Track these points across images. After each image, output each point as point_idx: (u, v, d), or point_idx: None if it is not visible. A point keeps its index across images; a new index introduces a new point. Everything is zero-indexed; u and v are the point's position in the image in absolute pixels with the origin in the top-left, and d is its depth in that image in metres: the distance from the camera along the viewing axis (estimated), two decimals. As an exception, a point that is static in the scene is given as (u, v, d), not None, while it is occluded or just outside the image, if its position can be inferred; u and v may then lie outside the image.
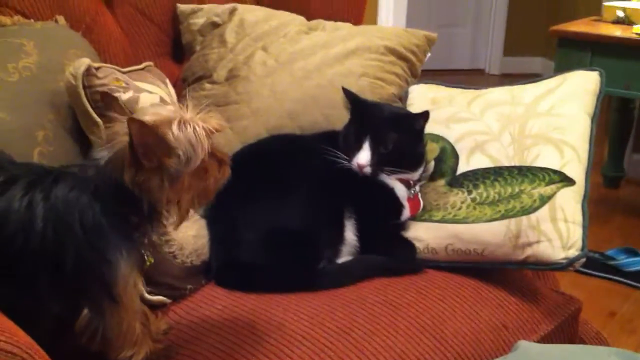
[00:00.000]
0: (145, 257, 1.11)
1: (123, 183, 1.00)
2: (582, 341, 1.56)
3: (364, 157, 1.46)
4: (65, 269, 1.01)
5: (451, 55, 5.26)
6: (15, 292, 1.02)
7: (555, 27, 2.88)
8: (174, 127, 1.00)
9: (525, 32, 5.20)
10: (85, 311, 1.05)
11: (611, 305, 2.42)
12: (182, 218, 1.10)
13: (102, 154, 1.03)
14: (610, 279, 2.56)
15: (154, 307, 1.32)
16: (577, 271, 1.46)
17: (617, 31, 2.75)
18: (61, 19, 1.60)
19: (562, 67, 1.74)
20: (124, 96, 1.36)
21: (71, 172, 1.06)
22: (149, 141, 0.98)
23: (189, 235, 1.41)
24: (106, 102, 1.14)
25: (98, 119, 1.34)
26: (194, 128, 1.02)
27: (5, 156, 1.10)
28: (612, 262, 2.62)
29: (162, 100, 1.46)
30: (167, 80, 1.58)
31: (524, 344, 0.85)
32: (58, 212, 1.01)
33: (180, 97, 1.72)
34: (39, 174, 1.05)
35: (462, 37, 5.45)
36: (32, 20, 1.55)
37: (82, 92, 1.35)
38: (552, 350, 0.89)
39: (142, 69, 1.54)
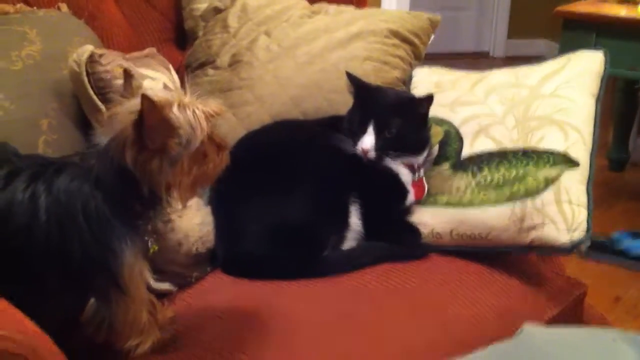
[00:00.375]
0: (150, 244, 1.11)
1: (124, 167, 1.00)
2: (587, 326, 1.56)
3: (368, 141, 1.45)
4: (70, 261, 1.01)
5: (455, 38, 5.23)
6: (21, 286, 1.01)
7: (559, 8, 2.85)
8: (174, 108, 1.00)
9: (530, 14, 5.16)
10: (92, 301, 1.05)
11: (617, 289, 2.41)
12: (183, 203, 1.09)
13: (102, 139, 1.03)
14: (615, 263, 2.55)
15: (160, 295, 1.32)
16: (582, 256, 1.45)
17: (622, 11, 2.73)
18: (64, 7, 1.60)
19: (567, 49, 1.72)
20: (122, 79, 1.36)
21: (73, 162, 1.06)
22: (155, 121, 0.98)
23: (194, 223, 1.41)
24: (126, 80, 1.13)
25: (101, 105, 1.35)
26: (193, 111, 1.02)
27: (10, 148, 1.11)
28: (618, 246, 2.60)
29: (165, 86, 1.46)
30: (170, 66, 1.58)
31: (528, 328, 0.85)
32: (61, 203, 1.01)
33: (184, 83, 1.72)
34: (41, 165, 1.05)
35: (466, 20, 5.42)
36: (35, 8, 1.55)
37: (86, 79, 1.35)
38: (556, 333, 0.89)
39: (145, 55, 1.54)
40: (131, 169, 1.00)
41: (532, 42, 5.26)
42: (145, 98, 0.96)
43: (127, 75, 1.08)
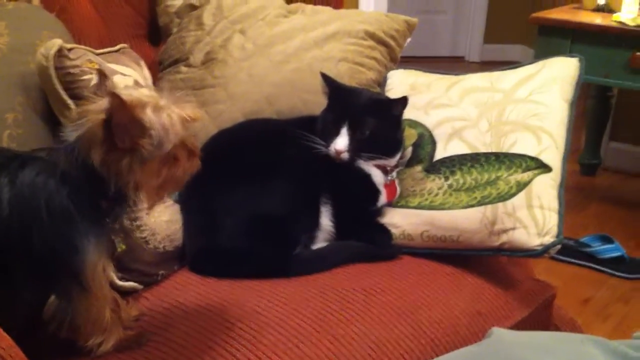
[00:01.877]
0: (117, 243, 1.09)
1: (91, 164, 0.98)
2: (557, 328, 1.56)
3: (341, 142, 1.45)
4: (31, 256, 0.99)
5: (432, 43, 5.25)
6: None
7: (535, 14, 2.87)
8: (148, 110, 0.99)
9: (506, 19, 5.20)
10: (53, 298, 1.03)
11: (586, 291, 2.44)
12: (150, 206, 1.08)
13: (70, 134, 1.01)
14: (584, 266, 2.58)
15: (125, 293, 1.30)
16: (552, 258, 1.46)
17: (598, 19, 2.75)
18: (35, 0, 1.57)
19: (542, 55, 1.73)
20: (96, 79, 1.34)
21: (39, 156, 1.04)
22: (125, 120, 0.96)
23: (162, 220, 1.39)
24: (101, 81, 1.11)
25: (69, 101, 1.32)
26: (168, 114, 1.00)
27: None
28: (587, 249, 2.63)
29: (136, 83, 1.43)
30: (143, 63, 1.55)
31: (497, 331, 0.85)
32: (24, 197, 0.99)
33: (156, 80, 1.70)
34: (5, 158, 1.02)
35: (443, 24, 5.45)
36: (4, 1, 1.51)
37: (54, 73, 1.32)
38: (525, 337, 0.89)
39: (117, 50, 1.51)
40: (97, 167, 0.98)
41: (508, 47, 5.29)
42: (114, 96, 0.94)
43: (102, 75, 1.07)
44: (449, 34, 5.50)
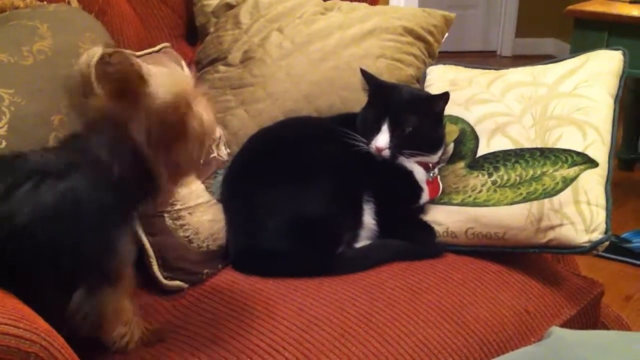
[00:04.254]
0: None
1: (138, 154, 0.99)
2: (604, 325, 1.54)
3: (382, 140, 1.44)
4: (64, 254, 0.99)
5: (462, 37, 5.20)
6: (18, 282, 0.99)
7: (571, 7, 2.83)
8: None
9: (538, 13, 5.14)
10: (78, 293, 1.03)
11: (627, 288, 2.40)
12: (172, 189, 1.11)
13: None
14: (625, 262, 2.54)
15: (171, 292, 1.31)
16: (596, 255, 1.44)
17: (634, 11, 2.71)
18: (74, 1, 1.58)
19: (579, 49, 1.70)
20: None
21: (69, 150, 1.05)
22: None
23: (205, 219, 1.40)
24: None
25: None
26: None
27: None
28: (627, 245, 2.59)
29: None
30: (183, 63, 1.56)
31: (557, 331, 0.83)
32: (64, 199, 0.99)
33: (195, 79, 1.70)
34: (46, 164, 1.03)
35: (474, 18, 5.40)
36: (45, 3, 1.52)
37: (95, 81, 1.33)
38: (585, 336, 0.87)
39: (158, 51, 1.52)
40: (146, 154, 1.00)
41: (540, 41, 5.23)
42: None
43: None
44: (480, 28, 5.45)
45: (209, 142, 1.10)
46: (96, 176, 1.02)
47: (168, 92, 1.01)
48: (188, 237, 1.36)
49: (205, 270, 1.36)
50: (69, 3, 1.57)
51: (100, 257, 1.02)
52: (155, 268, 1.31)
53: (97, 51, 1.34)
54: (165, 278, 1.31)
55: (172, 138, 1.02)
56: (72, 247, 1.00)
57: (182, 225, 1.36)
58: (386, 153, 1.44)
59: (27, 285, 0.99)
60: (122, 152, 1.01)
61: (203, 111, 1.07)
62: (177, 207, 1.36)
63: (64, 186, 1.00)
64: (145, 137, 1.00)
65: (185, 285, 1.32)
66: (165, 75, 1.04)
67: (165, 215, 1.34)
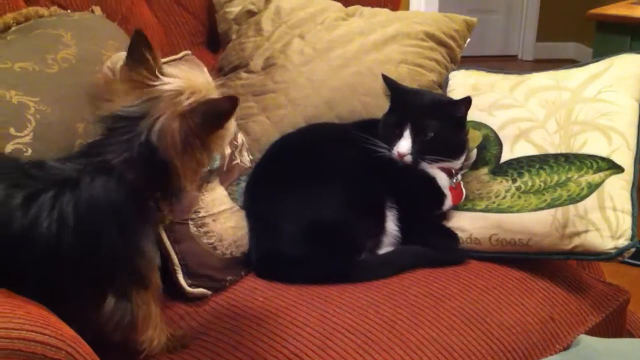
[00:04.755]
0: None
1: (158, 158, 1.00)
2: (630, 333, 1.52)
3: (404, 145, 1.43)
4: (94, 261, 1.00)
5: (483, 42, 5.18)
6: (44, 291, 0.99)
7: (593, 11, 2.81)
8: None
9: (559, 16, 5.10)
10: (110, 298, 1.04)
11: (651, 295, 2.36)
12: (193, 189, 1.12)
13: (130, 111, 1.04)
14: (650, 268, 2.51)
15: (194, 299, 1.31)
16: (622, 261, 1.42)
17: (658, 15, 2.68)
18: (97, 10, 1.60)
19: (601, 52, 1.68)
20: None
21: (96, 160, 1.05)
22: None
23: (228, 226, 1.40)
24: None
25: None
26: None
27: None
28: (652, 251, 2.56)
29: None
30: (205, 70, 1.56)
31: (585, 339, 0.82)
32: (94, 205, 1.00)
33: (217, 85, 1.71)
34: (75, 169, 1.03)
35: (495, 22, 5.37)
36: (69, 11, 1.54)
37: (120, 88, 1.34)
38: (614, 344, 0.86)
39: (180, 58, 1.53)
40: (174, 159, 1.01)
41: (561, 45, 5.19)
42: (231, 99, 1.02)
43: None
44: (501, 32, 5.43)
45: (229, 138, 1.11)
46: (116, 180, 1.02)
47: (189, 92, 1.02)
48: (212, 244, 1.36)
49: (229, 277, 1.37)
50: (92, 11, 1.59)
51: (128, 256, 1.03)
52: (180, 276, 1.31)
53: (121, 57, 1.36)
54: (190, 285, 1.31)
55: (195, 136, 1.03)
56: (99, 249, 1.00)
57: (206, 232, 1.36)
58: (408, 159, 1.43)
59: (52, 292, 1.00)
60: (142, 153, 1.02)
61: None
62: (201, 214, 1.37)
63: (86, 192, 1.00)
64: (168, 137, 1.01)
65: (209, 293, 1.33)
66: (187, 75, 1.04)
67: (190, 222, 1.35)
